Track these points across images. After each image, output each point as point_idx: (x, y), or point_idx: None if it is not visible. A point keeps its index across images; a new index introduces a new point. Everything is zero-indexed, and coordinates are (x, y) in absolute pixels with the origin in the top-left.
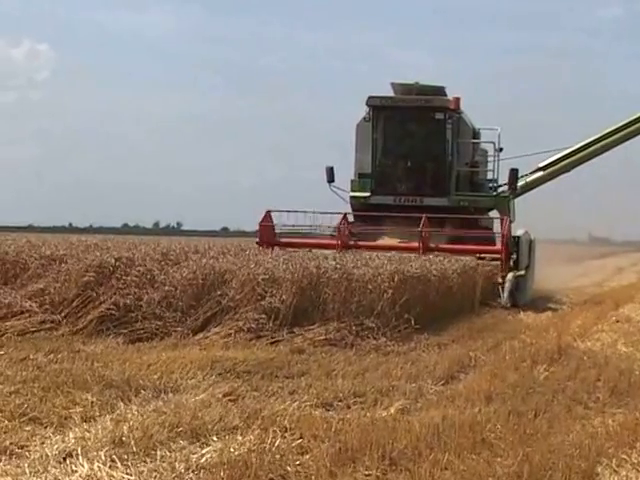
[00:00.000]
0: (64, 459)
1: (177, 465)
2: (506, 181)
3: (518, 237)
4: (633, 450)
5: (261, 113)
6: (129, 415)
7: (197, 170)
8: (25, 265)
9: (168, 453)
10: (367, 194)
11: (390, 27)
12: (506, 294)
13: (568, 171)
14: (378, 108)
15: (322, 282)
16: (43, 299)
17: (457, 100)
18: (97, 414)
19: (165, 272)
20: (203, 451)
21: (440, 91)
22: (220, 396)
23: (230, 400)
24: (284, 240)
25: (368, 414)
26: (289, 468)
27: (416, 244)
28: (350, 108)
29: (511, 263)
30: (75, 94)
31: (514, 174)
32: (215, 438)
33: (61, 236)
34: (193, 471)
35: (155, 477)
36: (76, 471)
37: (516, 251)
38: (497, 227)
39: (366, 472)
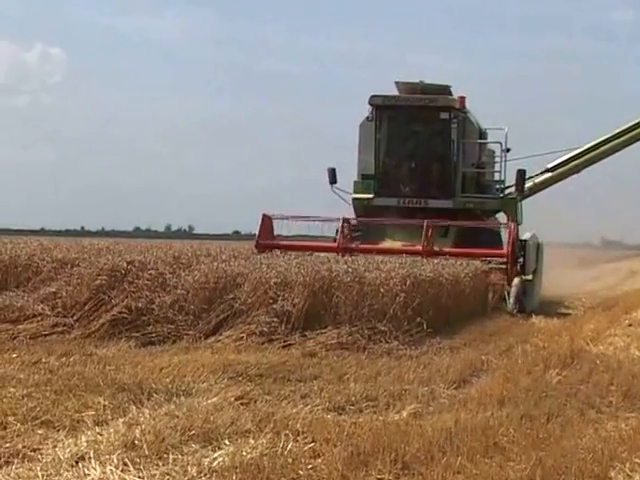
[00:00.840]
0: (76, 462)
1: (189, 469)
2: (513, 182)
3: (525, 240)
4: None
5: (272, 116)
6: (141, 418)
7: (208, 173)
8: (37, 268)
9: (180, 456)
10: (370, 196)
11: (399, 29)
12: (512, 300)
13: (578, 172)
14: (381, 107)
15: (334, 285)
16: (55, 302)
17: (462, 99)
18: (109, 417)
19: (177, 275)
20: (215, 455)
21: (445, 90)
22: (232, 400)
23: (242, 404)
24: (283, 243)
25: (380, 418)
26: (301, 472)
27: (419, 247)
28: (361, 110)
29: (518, 267)
30: (87, 97)
31: (521, 175)
32: (227, 442)
33: (73, 239)
34: (205, 475)
35: None
36: (88, 474)
37: (523, 255)
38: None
39: (378, 476)
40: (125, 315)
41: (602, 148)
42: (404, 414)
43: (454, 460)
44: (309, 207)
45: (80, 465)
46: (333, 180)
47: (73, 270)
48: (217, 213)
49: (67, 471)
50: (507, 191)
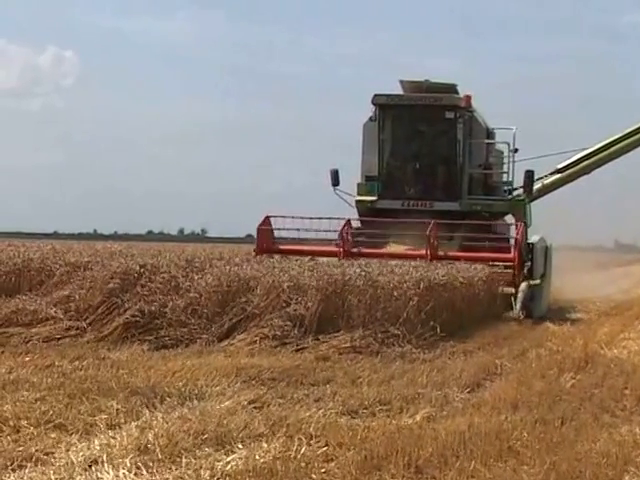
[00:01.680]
0: (89, 466)
1: (202, 472)
2: (522, 184)
3: (532, 244)
4: None
5: (283, 118)
6: (154, 422)
7: (221, 176)
8: (50, 272)
9: (193, 460)
10: (374, 198)
11: (409, 32)
12: (519, 305)
13: (588, 173)
14: (384, 107)
15: (347, 289)
16: (68, 306)
17: (468, 98)
18: (122, 421)
19: (190, 279)
20: (228, 458)
21: (451, 89)
22: (245, 403)
23: (255, 407)
24: (283, 247)
25: (394, 422)
26: (314, 476)
27: (423, 252)
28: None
29: (525, 272)
30: (100, 100)
31: (529, 176)
32: (240, 445)
33: (86, 243)
34: (218, 478)
35: None
36: (101, 478)
37: (530, 259)
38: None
39: None
40: (138, 319)
41: (613, 148)
42: (417, 418)
43: (468, 464)
44: (322, 210)
45: (93, 469)
46: (336, 182)
47: (86, 273)
48: (230, 216)
49: (80, 475)
50: (515, 193)
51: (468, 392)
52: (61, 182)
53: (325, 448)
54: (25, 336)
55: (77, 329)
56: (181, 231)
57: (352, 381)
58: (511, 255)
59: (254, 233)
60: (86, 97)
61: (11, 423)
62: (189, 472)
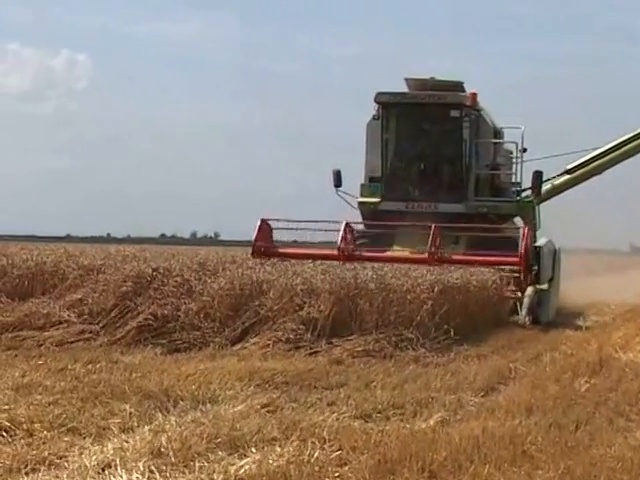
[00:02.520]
0: (103, 470)
1: (215, 476)
2: (530, 185)
3: (539, 247)
4: None
5: (296, 120)
6: (167, 426)
7: (234, 180)
8: (63, 275)
9: (206, 464)
10: (377, 200)
11: (418, 32)
12: (524, 311)
13: (599, 173)
14: (388, 105)
15: (360, 292)
16: (81, 309)
17: (474, 96)
18: (135, 425)
19: (203, 282)
20: (241, 462)
21: (458, 87)
22: (258, 407)
23: (268, 411)
24: (282, 250)
25: (407, 426)
26: None
27: (425, 255)
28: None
29: (532, 276)
30: (113, 104)
31: (538, 177)
32: (254, 449)
33: (99, 246)
34: None
35: None
36: None
37: (537, 262)
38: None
39: None
40: (151, 322)
41: (625, 148)
42: (431, 422)
43: (482, 469)
44: (334, 213)
45: (106, 472)
46: (338, 183)
47: (99, 277)
48: (243, 219)
49: (93, 478)
50: (524, 194)
51: (482, 396)
52: (74, 185)
53: (339, 452)
54: (38, 339)
55: (90, 332)
56: (194, 234)
57: (365, 385)
58: (516, 259)
59: (279, 236)
60: (99, 100)
61: (25, 427)
62: (202, 476)
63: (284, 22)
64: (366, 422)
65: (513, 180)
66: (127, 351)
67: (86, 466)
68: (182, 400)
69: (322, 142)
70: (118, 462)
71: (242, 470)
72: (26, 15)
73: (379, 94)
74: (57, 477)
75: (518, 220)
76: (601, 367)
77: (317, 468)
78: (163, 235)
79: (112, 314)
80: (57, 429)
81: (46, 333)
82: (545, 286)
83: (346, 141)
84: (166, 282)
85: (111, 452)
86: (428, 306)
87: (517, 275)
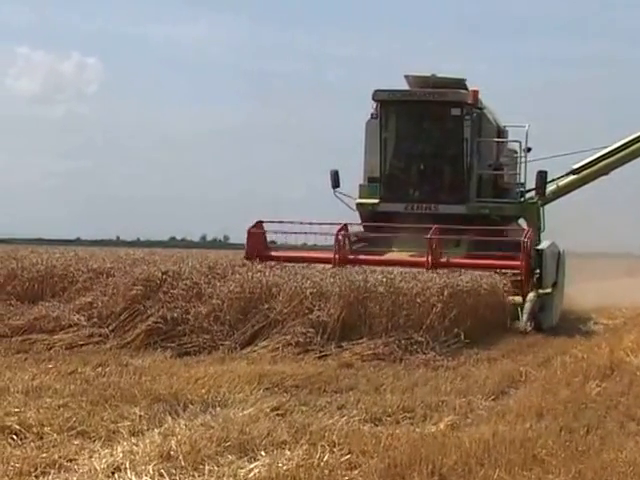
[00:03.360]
0: (112, 473)
1: None
2: (534, 186)
3: (542, 250)
4: None
5: (305, 123)
6: (177, 429)
7: (244, 183)
8: (73, 279)
9: (216, 467)
10: (375, 201)
11: (431, 35)
12: (525, 317)
13: (606, 173)
14: (386, 103)
15: (369, 296)
16: (91, 312)
17: (475, 93)
18: (145, 428)
19: (212, 286)
20: (251, 466)
21: (460, 84)
22: (268, 410)
23: (278, 415)
24: (275, 254)
25: (417, 429)
26: None
27: (423, 259)
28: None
29: (534, 280)
30: (122, 107)
31: (542, 177)
32: (263, 453)
33: (108, 249)
34: None
35: None
36: None
37: (540, 266)
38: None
39: None
40: (160, 325)
41: (632, 147)
42: (441, 426)
43: (492, 472)
44: (343, 216)
45: (116, 476)
46: (336, 184)
47: (109, 280)
48: (253, 222)
49: None
50: (528, 195)
51: (492, 400)
52: (84, 188)
53: (348, 456)
54: (48, 343)
55: (100, 336)
56: (203, 237)
57: (375, 388)
58: (517, 262)
59: (276, 240)
60: (109, 104)
61: (35, 430)
62: (212, 479)
63: (291, 23)
64: (376, 426)
65: (517, 180)
66: (137, 354)
67: (96, 469)
68: (192, 403)
69: (332, 144)
70: (128, 465)
71: (252, 473)
72: (35, 18)
73: (377, 91)
74: None
75: (523, 222)
76: (612, 371)
77: (327, 472)
78: (173, 238)
79: (122, 317)
80: (67, 432)
81: (56, 336)
82: (548, 290)
83: (355, 142)
84: (176, 285)
85: (121, 455)
86: (438, 309)
87: (519, 279)
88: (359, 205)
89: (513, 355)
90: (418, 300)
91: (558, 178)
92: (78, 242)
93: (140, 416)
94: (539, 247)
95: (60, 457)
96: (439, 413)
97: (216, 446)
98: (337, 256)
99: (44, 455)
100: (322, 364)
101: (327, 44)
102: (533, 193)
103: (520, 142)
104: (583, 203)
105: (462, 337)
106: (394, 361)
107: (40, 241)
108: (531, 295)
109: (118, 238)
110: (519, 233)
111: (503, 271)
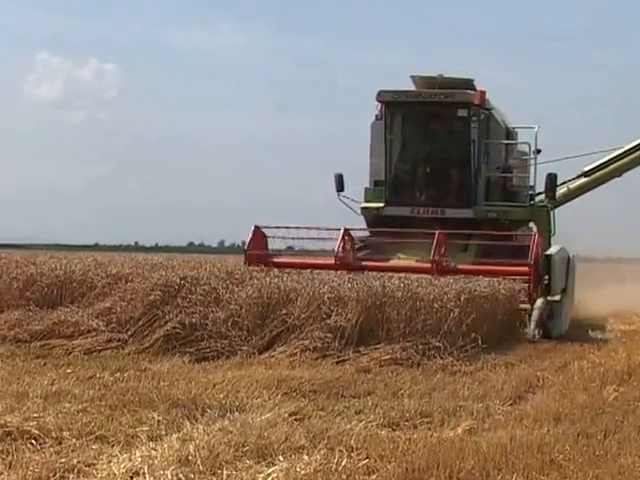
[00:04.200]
0: (131, 478)
1: None
2: (544, 189)
3: (550, 255)
4: None
5: (323, 129)
6: (195, 434)
7: (261, 188)
8: (92, 284)
9: (234, 472)
10: (380, 205)
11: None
12: (532, 324)
13: (619, 176)
14: (390, 104)
15: (387, 301)
16: (109, 318)
17: (482, 94)
18: (163, 433)
19: (230, 291)
20: (269, 470)
21: (468, 84)
22: (286, 415)
23: (296, 419)
24: (276, 260)
25: (435, 434)
26: None
27: (428, 265)
28: None
29: (542, 286)
30: (141, 113)
31: (551, 180)
32: (281, 458)
33: (127, 255)
34: None
35: None
36: None
37: (548, 272)
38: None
39: None
40: (179, 330)
41: None
42: (459, 430)
43: (510, 477)
44: (356, 221)
45: None
46: (340, 187)
47: (127, 285)
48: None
49: None
50: (538, 198)
51: (510, 405)
52: (102, 194)
53: (366, 460)
54: (67, 348)
55: (118, 341)
56: (221, 243)
57: (393, 393)
58: (525, 268)
59: (294, 245)
60: (128, 110)
61: (53, 434)
62: None
63: (320, 33)
64: (394, 430)
65: (526, 183)
66: (155, 359)
67: (114, 474)
68: (210, 408)
69: (350, 150)
70: (146, 470)
71: (269, 478)
72: (54, 25)
73: (381, 92)
74: None
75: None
76: (629, 376)
77: (344, 476)
78: (191, 244)
79: (140, 322)
80: (86, 437)
81: (75, 341)
82: (557, 297)
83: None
84: (194, 291)
85: (139, 460)
86: (455, 315)
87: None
88: (364, 209)
89: (530, 360)
90: (435, 305)
91: (569, 180)
92: (97, 247)
93: (158, 421)
94: (547, 252)
95: (79, 462)
96: (457, 418)
97: (234, 451)
98: (338, 262)
99: (63, 460)
100: (340, 369)
101: (338, 51)
102: (543, 196)
103: (529, 144)
104: (599, 206)
105: (479, 342)
106: (412, 366)
107: (59, 246)
108: (539, 302)
109: (136, 243)
110: (528, 238)
111: (510, 277)
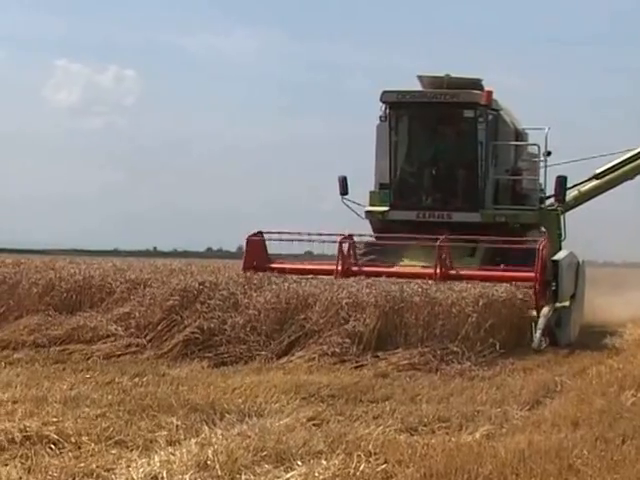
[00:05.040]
0: None
1: None
2: (553, 191)
3: (557, 261)
4: None
5: (336, 134)
6: (214, 439)
7: (279, 193)
8: (111, 289)
9: (253, 477)
10: (385, 208)
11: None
12: (539, 333)
13: (631, 178)
14: (395, 105)
15: (405, 306)
16: (128, 323)
17: (489, 94)
18: (182, 438)
19: (249, 296)
20: (287, 475)
21: (475, 84)
22: (304, 420)
23: (314, 424)
24: (275, 265)
25: (453, 439)
26: None
27: (431, 270)
28: None
29: (550, 293)
30: (160, 119)
31: (561, 183)
32: (299, 462)
33: (146, 260)
34: None
35: None
36: None
37: (555, 278)
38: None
39: None
40: (197, 335)
41: None
42: (477, 435)
43: None
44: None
45: None
46: (344, 191)
47: (146, 291)
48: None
49: None
50: (548, 202)
51: (528, 410)
52: (121, 200)
53: (384, 465)
54: (86, 353)
55: (137, 346)
56: (240, 248)
57: (411, 398)
58: (531, 274)
59: (312, 250)
60: (147, 115)
61: (72, 439)
62: None
63: (329, 36)
64: (412, 435)
65: (536, 186)
66: (174, 364)
67: (133, 478)
68: (228, 413)
69: (364, 156)
70: (165, 475)
71: None
72: (73, 31)
73: (385, 92)
74: None
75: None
76: None
77: None
78: (209, 249)
79: (159, 328)
80: (104, 442)
81: (94, 346)
82: (565, 304)
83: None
84: (212, 296)
85: (158, 465)
86: (473, 320)
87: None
88: (368, 213)
89: (548, 365)
90: (453, 310)
91: (580, 183)
92: (116, 253)
93: (177, 426)
94: (555, 257)
95: (98, 466)
96: (475, 423)
97: (253, 456)
98: (339, 267)
99: (82, 464)
100: (358, 374)
101: (345, 53)
102: (553, 199)
103: (538, 145)
104: (614, 210)
105: (497, 347)
106: (430, 371)
107: (78, 252)
108: (545, 310)
109: (155, 249)
110: (536, 241)
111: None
